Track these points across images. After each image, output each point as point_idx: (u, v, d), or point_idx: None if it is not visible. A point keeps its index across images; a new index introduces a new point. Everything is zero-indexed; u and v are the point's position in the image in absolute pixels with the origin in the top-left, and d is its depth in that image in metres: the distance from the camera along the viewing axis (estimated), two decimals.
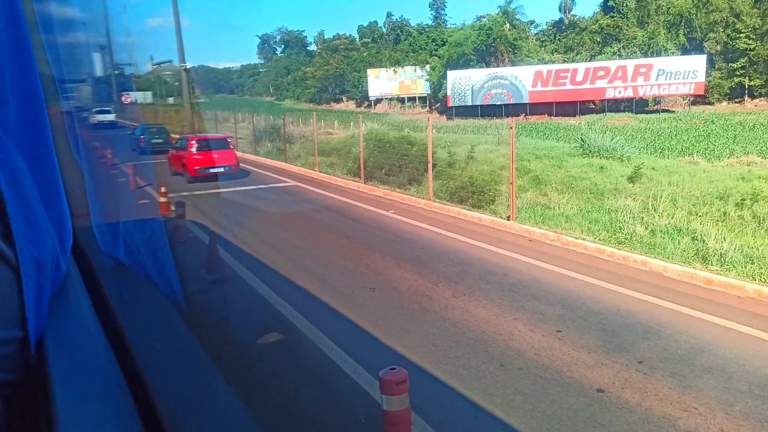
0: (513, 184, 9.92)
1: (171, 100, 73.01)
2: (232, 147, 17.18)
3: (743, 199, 14.37)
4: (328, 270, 7.56)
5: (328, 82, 71.47)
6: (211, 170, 14.88)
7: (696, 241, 10.29)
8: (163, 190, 11.10)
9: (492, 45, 50.97)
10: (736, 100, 50.54)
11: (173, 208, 11.08)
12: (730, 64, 49.24)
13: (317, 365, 4.96)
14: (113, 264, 1.78)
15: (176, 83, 79.50)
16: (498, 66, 51.94)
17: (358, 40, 78.86)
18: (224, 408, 1.01)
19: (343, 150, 26.96)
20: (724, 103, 50.67)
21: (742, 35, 48.21)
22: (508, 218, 9.96)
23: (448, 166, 18.54)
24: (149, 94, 64.08)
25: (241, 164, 19.46)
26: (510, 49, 51.39)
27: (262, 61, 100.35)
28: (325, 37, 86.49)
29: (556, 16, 65.42)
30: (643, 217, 12.97)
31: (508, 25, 53.76)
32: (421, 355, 5.03)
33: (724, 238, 10.53)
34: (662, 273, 7.22)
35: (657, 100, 51.01)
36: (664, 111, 48.64)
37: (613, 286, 6.64)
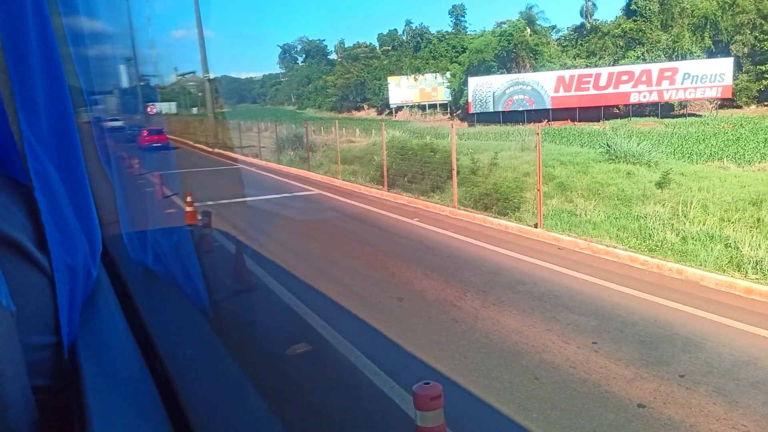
0: (540, 191, 9.75)
1: (195, 110, 74.11)
2: (164, 133, 28.74)
3: None
4: (354, 279, 7.49)
5: (349, 90, 71.82)
6: (153, 144, 25.91)
7: (729, 248, 9.99)
8: (189, 199, 11.16)
9: (513, 51, 50.73)
10: (765, 103, 49.41)
11: (199, 217, 11.14)
12: (758, 67, 48.22)
13: (347, 377, 4.88)
14: (142, 271, 1.81)
15: (200, 93, 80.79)
16: (519, 72, 51.66)
17: (378, 48, 79.16)
18: (252, 413, 1.00)
19: (365, 158, 26.98)
20: (753, 107, 49.56)
21: None
22: (536, 226, 9.79)
23: (472, 173, 18.40)
24: (174, 104, 65.15)
25: (264, 173, 19.59)
26: (531, 54, 51.07)
27: (284, 71, 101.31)
28: (346, 46, 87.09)
29: (577, 20, 64.84)
30: (673, 224, 12.67)
31: (529, 30, 53.44)
32: (452, 367, 4.91)
33: (759, 244, 10.21)
34: (699, 282, 7.00)
35: (683, 105, 50.11)
36: (690, 115, 47.74)
37: (648, 295, 6.45)
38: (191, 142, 33.18)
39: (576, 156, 24.81)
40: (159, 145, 26.56)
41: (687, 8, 51.30)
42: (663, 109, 49.05)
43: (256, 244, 9.36)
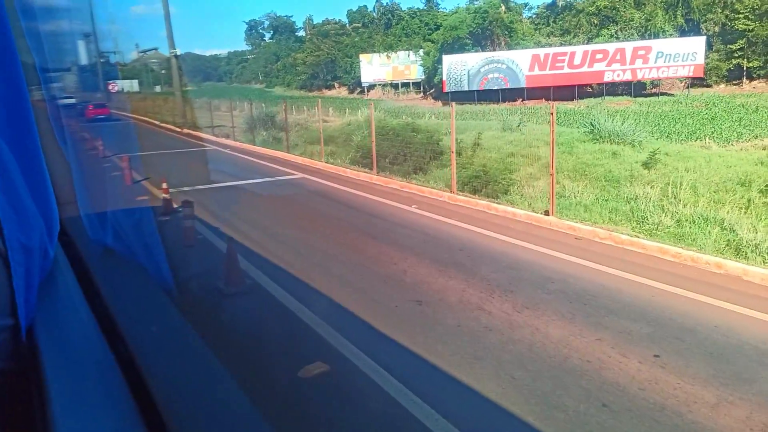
0: (553, 175, 9.05)
1: (158, 88, 71.33)
2: (107, 107, 32.63)
3: (767, 186, 13.69)
4: (361, 278, 6.67)
5: (320, 68, 70.02)
6: (97, 117, 30.05)
7: (725, 231, 9.59)
8: (165, 186, 10.11)
9: (488, 28, 49.90)
10: (734, 82, 49.89)
11: (179, 207, 10.11)
12: (728, 46, 48.53)
13: (378, 407, 4.10)
14: (102, 251, 1.75)
15: (163, 71, 77.87)
16: (494, 50, 50.96)
17: (348, 25, 77.26)
18: (219, 390, 0.97)
19: (340, 138, 26.06)
20: (722, 86, 50.01)
21: (740, 16, 47.46)
22: (546, 213, 9.11)
23: (456, 154, 17.72)
24: (136, 82, 62.49)
25: (240, 155, 18.46)
26: (506, 32, 50.35)
27: (250, 48, 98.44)
28: (314, 23, 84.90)
29: None
30: (664, 206, 12.25)
31: (503, 7, 52.62)
32: (501, 391, 4.17)
33: (755, 227, 9.83)
34: (742, 277, 6.41)
35: (655, 83, 50.26)
36: (662, 94, 47.95)
37: (696, 295, 5.82)
38: (158, 122, 31.52)
39: (560, 136, 24.34)
40: (102, 117, 30.87)
41: None
42: (635, 88, 49.09)
43: (243, 237, 8.43)
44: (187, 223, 8.09)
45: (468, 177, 13.30)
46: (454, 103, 11.69)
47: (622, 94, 49.17)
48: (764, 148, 22.02)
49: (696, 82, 47.94)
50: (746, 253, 8.31)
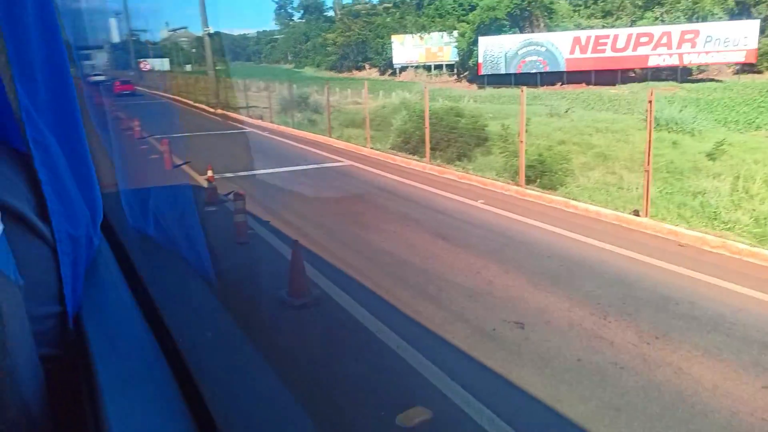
0: (649, 172, 8.00)
1: (188, 67, 70.88)
2: (131, 83, 34.33)
3: None
4: (443, 290, 5.77)
5: (350, 49, 68.81)
6: (123, 92, 30.85)
7: None
8: (210, 173, 9.31)
9: (527, 9, 48.06)
10: None
11: (228, 198, 9.32)
12: None
13: None
14: (143, 239, 1.73)
15: (193, 50, 77.45)
16: (533, 32, 49.14)
17: (378, 5, 75.68)
18: (263, 384, 0.97)
19: (376, 121, 25.17)
20: None
21: None
22: (636, 213, 8.08)
23: (502, 141, 16.71)
24: (166, 61, 62.12)
25: (278, 138, 17.61)
26: (546, 13, 48.44)
27: (279, 28, 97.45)
28: (344, 2, 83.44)
29: None
30: (735, 201, 11.14)
31: None
32: None
33: None
34: None
35: (702, 69, 47.98)
36: (710, 80, 45.70)
37: None
38: (191, 102, 30.86)
39: (613, 123, 22.99)
40: (127, 92, 32.41)
41: None
42: (681, 73, 46.91)
43: (298, 234, 7.59)
44: (239, 218, 7.27)
45: (524, 166, 12.33)
46: (524, 88, 10.62)
47: (666, 79, 47.04)
48: None
49: (744, 68, 45.57)
50: None
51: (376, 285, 5.85)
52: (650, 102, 8.01)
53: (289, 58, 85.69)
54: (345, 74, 67.78)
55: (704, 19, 46.88)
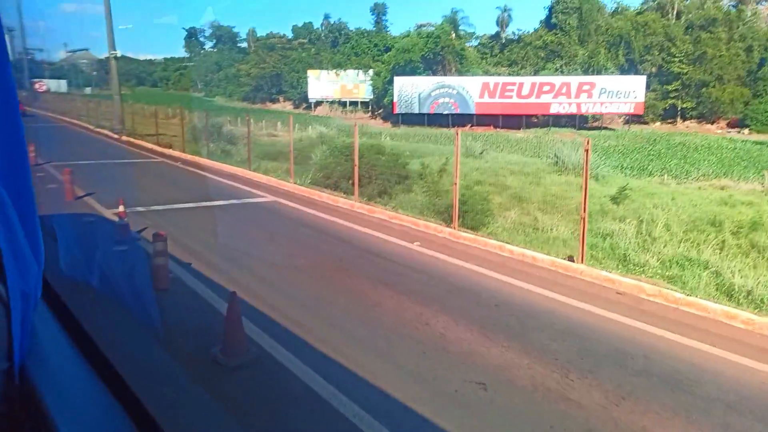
0: (585, 219, 8.08)
1: (88, 90, 66.79)
2: (21, 104, 38.66)
3: (739, 228, 13.52)
4: (394, 345, 5.33)
5: (264, 81, 68.12)
6: None
7: (710, 273, 9.16)
8: (121, 208, 8.35)
9: (439, 54, 49.94)
10: (669, 120, 52.32)
11: (140, 236, 8.39)
12: (664, 86, 50.86)
13: None
14: (84, 288, 1.75)
15: (94, 72, 73.26)
16: (445, 75, 51.01)
17: (293, 39, 75.79)
18: (214, 422, 0.99)
19: (294, 154, 24.53)
20: (658, 123, 52.32)
21: (676, 59, 49.96)
22: (571, 259, 8.12)
23: (420, 178, 16.83)
24: (64, 82, 58.21)
25: (193, 169, 16.55)
26: (457, 58, 50.58)
27: (189, 55, 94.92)
28: (258, 35, 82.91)
29: (491, 29, 65.80)
30: (642, 244, 11.76)
31: (453, 34, 52.97)
32: None
33: (739, 270, 9.44)
34: None
35: (596, 117, 51.92)
36: (603, 128, 49.46)
37: None
38: (92, 127, 28.73)
39: (524, 166, 23.93)
40: None
41: (602, 26, 53.18)
42: (578, 121, 50.46)
43: (226, 279, 6.89)
44: (159, 261, 6.47)
45: (445, 206, 12.32)
46: (459, 130, 10.61)
47: (565, 126, 50.38)
48: (722, 188, 22.37)
49: (633, 118, 49.87)
50: (738, 299, 7.80)
51: (321, 340, 5.30)
52: (586, 151, 8.15)
53: (199, 86, 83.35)
54: (258, 105, 66.76)
55: (599, 72, 50.92)
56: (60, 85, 56.94)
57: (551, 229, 12.76)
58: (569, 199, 16.88)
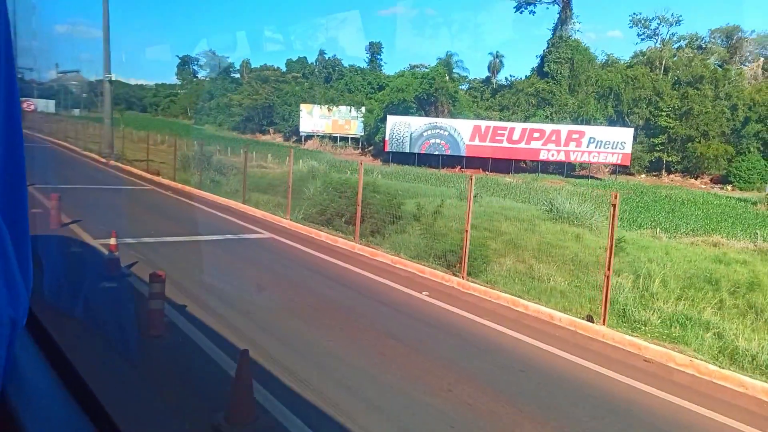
0: (609, 278, 7.67)
1: (77, 111, 66.06)
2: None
3: (736, 287, 13.28)
4: (417, 415, 4.77)
5: (256, 112, 68.11)
6: None
7: (712, 334, 8.83)
8: (113, 241, 7.75)
9: (433, 95, 50.38)
10: (654, 173, 53.03)
11: (131, 271, 7.77)
12: (651, 139, 51.74)
13: None
14: (63, 316, 2.00)
15: (84, 95, 72.70)
16: (437, 116, 51.38)
17: (287, 73, 76.29)
18: None
19: (281, 188, 24.10)
20: (643, 176, 52.99)
21: (663, 113, 51.00)
22: (590, 319, 7.67)
23: (414, 219, 16.47)
24: (52, 103, 57.45)
25: (184, 199, 15.95)
26: (450, 100, 51.06)
27: (180, 83, 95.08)
28: (252, 67, 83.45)
29: (483, 74, 66.91)
30: (640, 300, 11.41)
31: (447, 77, 53.64)
32: None
33: (746, 334, 9.10)
34: None
35: (583, 166, 52.48)
36: (590, 177, 49.93)
37: None
38: (79, 149, 28.04)
39: (519, 212, 23.70)
40: None
41: (592, 77, 54.28)
42: (566, 169, 50.94)
43: (225, 326, 6.30)
44: (154, 305, 5.88)
45: (443, 250, 11.91)
46: (473, 175, 10.26)
47: (553, 173, 50.81)
48: (715, 245, 22.24)
49: (618, 169, 50.45)
50: (743, 363, 7.46)
51: (333, 405, 4.74)
52: (614, 206, 7.79)
53: (189, 113, 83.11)
54: (248, 136, 66.51)
55: (588, 122, 51.73)
56: (48, 105, 56.20)
57: (548, 279, 12.39)
58: (564, 248, 16.57)
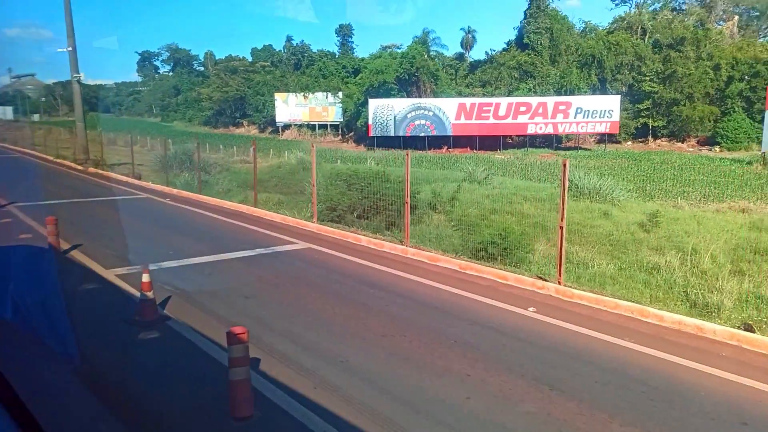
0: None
1: (36, 117, 62.44)
2: None
3: None
4: None
5: (227, 104, 65.43)
6: None
7: None
8: (146, 278, 6.03)
9: (414, 74, 48.59)
10: (640, 140, 52.36)
11: (168, 315, 6.08)
12: (636, 105, 50.92)
13: None
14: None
15: (42, 99, 68.90)
16: (420, 96, 49.68)
17: (254, 62, 73.44)
18: None
19: (271, 182, 22.37)
20: (630, 143, 52.31)
21: (646, 78, 50.21)
22: (749, 329, 6.29)
23: (430, 208, 15.05)
24: (10, 109, 54.01)
25: (185, 206, 14.10)
26: (432, 79, 49.34)
27: (142, 79, 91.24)
28: (216, 58, 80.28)
29: (454, 51, 65.43)
30: (697, 279, 10.18)
31: (426, 55, 51.87)
32: None
33: None
34: None
35: (569, 137, 51.54)
36: (578, 148, 48.97)
37: None
38: (51, 157, 25.63)
39: (535, 191, 22.34)
40: None
41: (571, 46, 53.13)
42: (554, 141, 49.91)
43: (324, 389, 4.71)
44: (237, 374, 4.24)
45: (482, 242, 10.46)
46: (565, 161, 8.69)
47: (540, 146, 49.71)
48: (743, 211, 21.20)
49: (604, 137, 49.58)
50: None
51: None
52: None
53: (155, 111, 79.74)
54: (221, 130, 63.94)
55: (572, 92, 50.67)
56: (5, 112, 52.70)
57: (591, 264, 11.10)
58: (596, 227, 15.30)
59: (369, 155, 40.29)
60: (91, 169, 21.89)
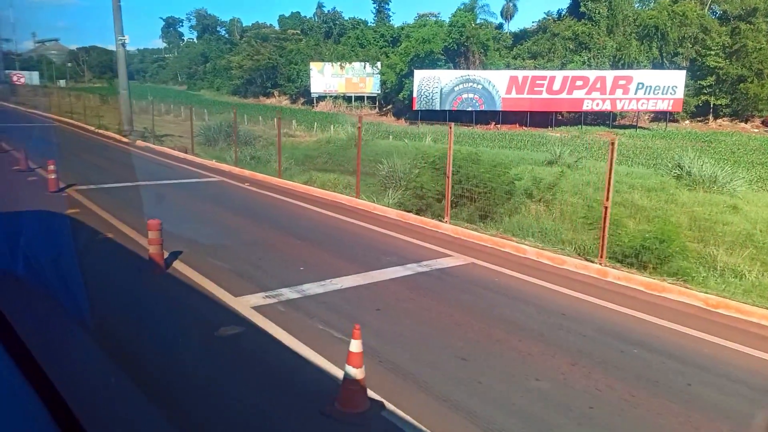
0: None
1: (62, 82, 60.26)
2: None
3: None
4: None
5: (258, 74, 62.57)
6: None
7: None
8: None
9: (464, 44, 45.32)
10: (698, 119, 48.82)
11: None
12: (698, 82, 47.26)
13: None
14: (9, 279, 1.60)
15: (68, 64, 66.57)
16: (468, 68, 46.51)
17: (283, 31, 70.31)
18: (137, 409, 1.04)
19: (323, 158, 20.31)
20: (688, 122, 48.84)
21: (711, 52, 46.51)
22: None
23: (527, 196, 12.67)
24: (36, 74, 51.85)
25: (268, 192, 11.65)
26: (482, 50, 46.05)
27: (167, 46, 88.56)
28: (244, 26, 77.30)
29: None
30: None
31: (472, 24, 48.46)
32: None
33: None
34: None
35: (623, 115, 48.22)
36: (634, 126, 45.71)
37: None
38: (92, 127, 23.29)
39: (641, 178, 19.59)
40: None
41: (630, 16, 49.36)
42: (606, 119, 46.68)
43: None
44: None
45: (638, 247, 8.00)
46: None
47: (592, 124, 46.51)
48: None
49: (662, 116, 46.17)
50: None
51: None
52: None
53: (180, 78, 77.20)
54: (251, 100, 61.27)
55: (630, 65, 47.21)
56: (32, 77, 50.55)
57: (747, 274, 8.68)
58: (727, 225, 12.69)
59: (422, 131, 37.57)
60: (140, 142, 19.53)
